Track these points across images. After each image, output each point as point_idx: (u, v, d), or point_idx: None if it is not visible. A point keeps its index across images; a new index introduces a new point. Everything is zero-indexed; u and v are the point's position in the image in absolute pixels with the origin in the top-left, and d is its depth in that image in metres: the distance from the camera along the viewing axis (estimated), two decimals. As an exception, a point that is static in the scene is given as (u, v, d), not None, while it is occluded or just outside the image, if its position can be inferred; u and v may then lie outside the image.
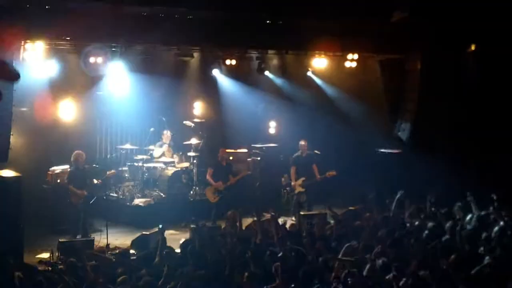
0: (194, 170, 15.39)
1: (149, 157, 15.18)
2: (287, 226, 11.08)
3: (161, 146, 15.53)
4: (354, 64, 15.72)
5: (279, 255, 8.30)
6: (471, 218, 10.68)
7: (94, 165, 13.24)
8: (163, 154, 15.43)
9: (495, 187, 12.74)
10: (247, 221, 12.14)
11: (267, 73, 15.96)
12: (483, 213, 10.86)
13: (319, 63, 16.02)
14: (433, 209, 11.38)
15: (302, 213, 12.56)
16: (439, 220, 10.65)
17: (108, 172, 13.64)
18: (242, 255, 8.40)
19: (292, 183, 14.63)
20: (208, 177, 14.12)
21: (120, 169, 15.19)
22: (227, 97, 17.05)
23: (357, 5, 13.68)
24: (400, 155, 15.49)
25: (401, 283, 7.14)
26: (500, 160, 14.90)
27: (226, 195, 13.86)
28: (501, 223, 10.09)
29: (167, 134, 15.52)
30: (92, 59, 13.13)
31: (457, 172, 14.34)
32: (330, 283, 7.42)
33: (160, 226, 9.74)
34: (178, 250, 9.46)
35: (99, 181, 13.07)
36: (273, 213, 10.08)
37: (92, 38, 12.48)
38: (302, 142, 14.76)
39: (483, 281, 7.44)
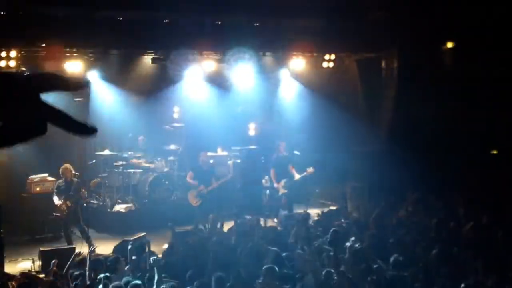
0: (174, 174, 15.33)
1: (129, 163, 15.09)
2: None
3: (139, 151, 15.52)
4: (331, 64, 15.77)
5: None
6: None
7: (75, 172, 13.04)
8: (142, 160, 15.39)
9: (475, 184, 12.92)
10: (229, 224, 12.11)
11: (244, 74, 15.87)
12: None
13: (297, 64, 16.04)
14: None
15: (283, 213, 12.55)
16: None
17: (91, 182, 13.46)
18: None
19: (275, 185, 14.59)
20: (188, 179, 14.07)
21: (100, 175, 15.08)
22: (205, 100, 17.00)
23: (333, 4, 13.74)
24: (377, 153, 15.51)
25: None
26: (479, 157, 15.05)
27: (208, 198, 13.79)
28: None
29: (141, 138, 15.52)
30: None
31: (436, 169, 14.46)
32: None
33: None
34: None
35: (83, 191, 12.92)
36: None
37: (67, 44, 12.38)
38: (279, 144, 14.74)
39: None
